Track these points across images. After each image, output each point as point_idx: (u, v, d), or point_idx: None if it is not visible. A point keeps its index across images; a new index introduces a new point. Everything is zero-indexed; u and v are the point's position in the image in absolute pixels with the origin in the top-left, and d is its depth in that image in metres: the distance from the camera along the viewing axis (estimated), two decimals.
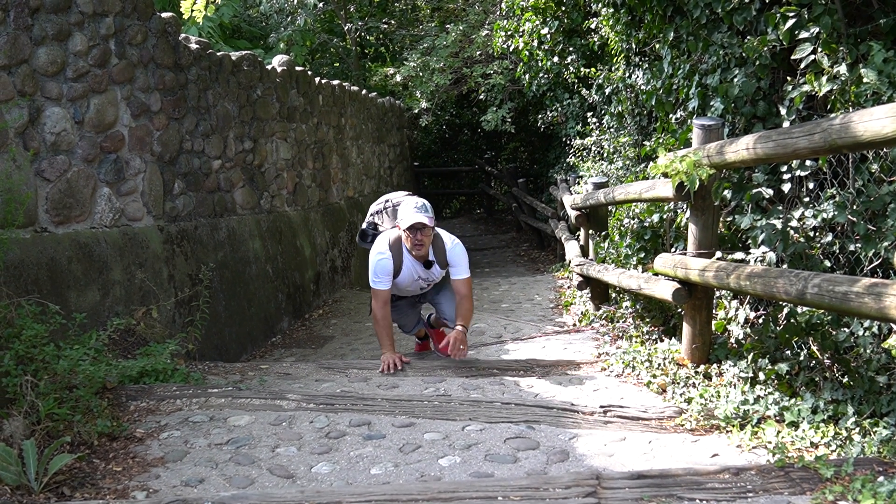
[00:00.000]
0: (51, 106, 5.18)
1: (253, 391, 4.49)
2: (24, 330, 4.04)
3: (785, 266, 4.28)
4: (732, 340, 4.79)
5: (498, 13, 14.91)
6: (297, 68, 9.82)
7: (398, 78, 16.33)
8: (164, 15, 6.53)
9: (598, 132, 10.89)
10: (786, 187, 4.60)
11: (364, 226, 5.88)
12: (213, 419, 4.03)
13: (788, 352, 4.19)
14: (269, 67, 8.88)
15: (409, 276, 5.57)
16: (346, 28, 18.34)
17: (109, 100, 5.74)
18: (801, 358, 4.08)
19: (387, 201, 5.85)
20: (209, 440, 3.77)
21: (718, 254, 4.58)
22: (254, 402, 4.26)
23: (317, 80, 10.67)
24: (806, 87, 4.46)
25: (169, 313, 6.12)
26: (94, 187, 5.58)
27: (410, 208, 5.37)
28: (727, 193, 4.97)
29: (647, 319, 6.13)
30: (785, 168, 4.62)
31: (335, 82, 11.70)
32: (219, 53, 7.58)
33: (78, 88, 5.40)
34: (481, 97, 15.77)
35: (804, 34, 4.56)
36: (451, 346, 5.40)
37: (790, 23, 4.60)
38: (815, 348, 4.10)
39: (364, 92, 13.68)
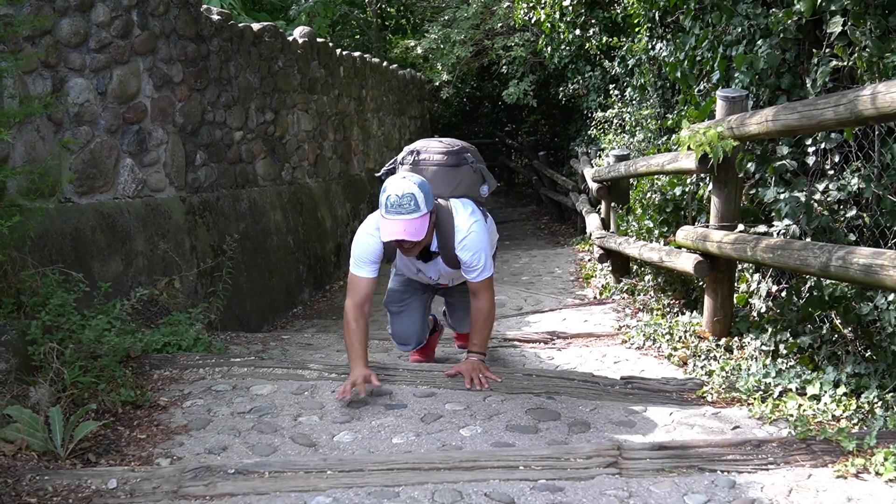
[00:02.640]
0: (74, 77, 5.20)
1: (275, 361, 4.52)
2: (51, 299, 4.08)
3: (808, 239, 4.26)
4: (754, 314, 4.78)
5: None
6: (319, 40, 9.80)
7: (419, 50, 16.25)
8: None
9: (619, 105, 10.82)
10: (810, 160, 4.57)
11: (382, 171, 4.46)
12: (235, 388, 4.06)
13: (810, 325, 4.18)
14: (290, 39, 8.87)
15: (405, 267, 4.38)
16: (367, 0, 18.25)
17: (132, 71, 5.75)
18: (824, 331, 4.06)
19: (412, 153, 4.33)
20: (232, 409, 3.81)
21: (741, 226, 4.56)
22: (276, 371, 4.29)
23: (338, 51, 10.65)
24: (832, 60, 4.41)
25: (191, 284, 6.16)
26: (117, 158, 5.61)
27: (382, 207, 3.81)
28: (751, 166, 4.93)
29: (669, 292, 6.12)
30: (809, 141, 4.58)
31: (356, 54, 11.67)
32: (240, 25, 7.58)
33: (101, 59, 5.41)
34: (503, 70, 15.67)
35: (832, 6, 4.50)
36: (465, 380, 4.01)
37: None
38: (837, 322, 4.09)
39: (385, 64, 13.64)
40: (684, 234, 4.98)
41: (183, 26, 6.39)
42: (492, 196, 4.57)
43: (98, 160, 5.39)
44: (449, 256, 4.05)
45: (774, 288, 4.75)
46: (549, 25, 12.65)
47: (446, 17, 15.79)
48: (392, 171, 4.33)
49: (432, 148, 4.29)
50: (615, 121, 11.01)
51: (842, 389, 3.60)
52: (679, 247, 5.17)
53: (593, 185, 8.81)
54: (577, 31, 12.20)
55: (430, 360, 4.87)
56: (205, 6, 6.89)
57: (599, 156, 10.53)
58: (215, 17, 7.00)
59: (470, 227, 3.99)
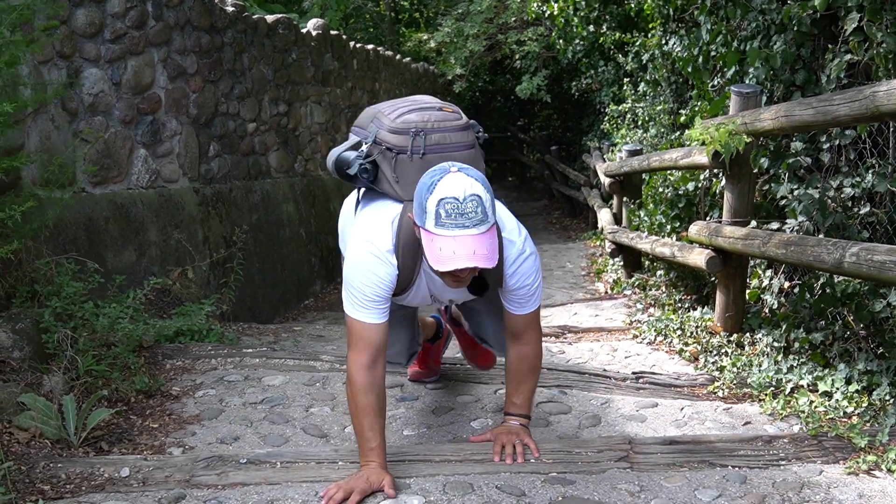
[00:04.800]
0: (89, 67, 5.22)
1: (287, 352, 4.53)
2: (64, 288, 4.11)
3: (821, 235, 4.24)
4: (766, 310, 4.77)
5: None
6: (332, 32, 9.81)
7: (432, 44, 16.23)
8: None
9: (633, 99, 10.80)
10: (824, 156, 4.54)
11: (345, 150, 2.94)
12: (247, 378, 4.08)
13: (823, 322, 4.16)
14: (303, 31, 8.88)
15: (420, 295, 2.93)
16: None
17: (146, 62, 5.77)
18: (836, 328, 4.05)
19: (417, 134, 2.80)
20: (244, 399, 3.82)
21: (754, 222, 4.55)
22: (288, 362, 4.30)
23: (351, 44, 10.66)
24: (847, 56, 4.39)
25: (204, 274, 6.18)
26: (131, 149, 5.63)
27: (429, 216, 2.45)
28: (764, 161, 4.91)
29: (680, 287, 6.10)
30: (824, 137, 4.56)
31: (369, 47, 11.68)
32: (254, 16, 7.59)
33: (116, 50, 5.43)
34: (515, 64, 15.64)
35: (848, 1, 4.48)
36: (495, 447, 2.90)
37: None
38: (849, 318, 4.07)
39: (398, 57, 13.64)
40: (697, 229, 4.97)
41: (197, 17, 6.41)
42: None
43: (112, 150, 5.41)
44: (494, 282, 2.82)
45: (787, 284, 4.74)
46: (562, 20, 12.62)
47: (459, 11, 15.76)
48: (366, 158, 2.86)
49: (443, 122, 2.85)
50: (628, 116, 10.98)
51: (854, 386, 3.58)
52: (691, 242, 5.16)
53: (605, 180, 8.81)
54: (591, 27, 12.17)
55: (433, 374, 3.98)
56: None
57: (612, 151, 10.51)
58: (229, 9, 7.01)
59: (524, 242, 2.79)
